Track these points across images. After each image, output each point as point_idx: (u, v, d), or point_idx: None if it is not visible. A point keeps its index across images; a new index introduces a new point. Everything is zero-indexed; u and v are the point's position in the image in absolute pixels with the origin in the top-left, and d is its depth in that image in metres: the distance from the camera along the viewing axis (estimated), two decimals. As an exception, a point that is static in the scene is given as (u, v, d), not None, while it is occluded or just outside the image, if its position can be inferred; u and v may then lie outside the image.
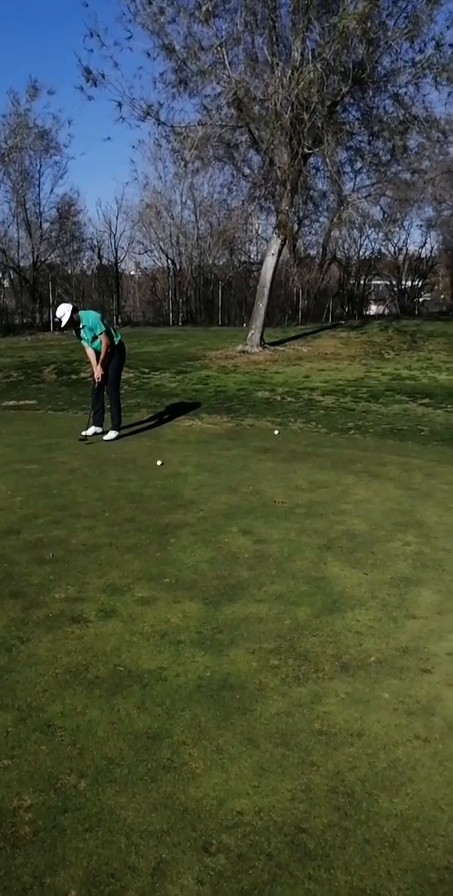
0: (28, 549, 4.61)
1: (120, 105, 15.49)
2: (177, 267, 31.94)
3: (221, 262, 33.67)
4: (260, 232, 30.76)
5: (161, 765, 2.50)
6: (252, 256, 35.04)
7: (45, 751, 2.58)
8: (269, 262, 17.11)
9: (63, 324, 7.82)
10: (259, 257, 34.29)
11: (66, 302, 8.05)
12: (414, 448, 7.70)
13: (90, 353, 8.02)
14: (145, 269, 33.52)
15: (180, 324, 29.46)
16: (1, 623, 3.58)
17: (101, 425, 8.16)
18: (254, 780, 2.42)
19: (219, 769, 2.48)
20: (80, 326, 7.88)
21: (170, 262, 31.78)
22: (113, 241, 30.85)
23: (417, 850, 2.12)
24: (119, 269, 31.64)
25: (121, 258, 31.74)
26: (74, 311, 7.84)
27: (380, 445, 7.78)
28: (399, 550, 4.57)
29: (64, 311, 7.79)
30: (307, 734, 2.67)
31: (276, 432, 8.38)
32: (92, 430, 8.12)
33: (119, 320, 28.89)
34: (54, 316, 8.07)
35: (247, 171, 17.84)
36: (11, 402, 10.59)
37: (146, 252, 32.69)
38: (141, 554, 4.54)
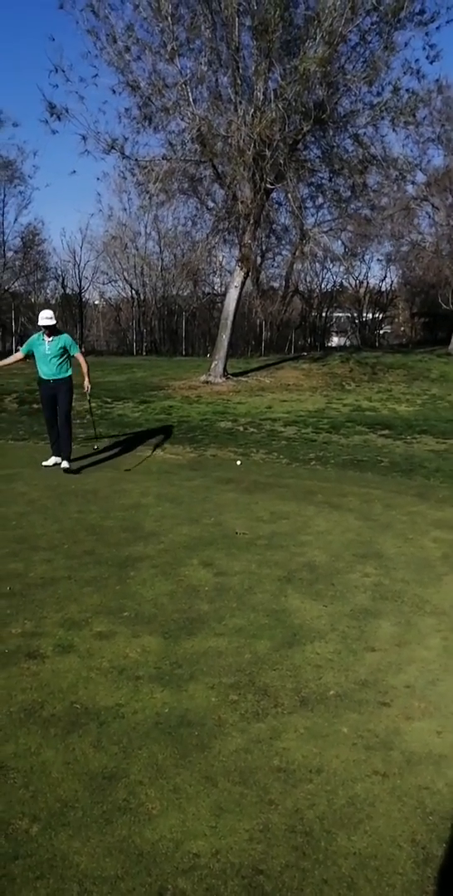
0: (-16, 583, 4.50)
1: (84, 138, 15.62)
2: (142, 297, 32.06)
3: (185, 293, 33.92)
4: (223, 264, 31.10)
5: (116, 806, 2.44)
6: (216, 288, 35.39)
7: (-4, 794, 2.50)
8: (232, 294, 17.29)
9: (52, 324, 7.62)
10: (222, 289, 34.62)
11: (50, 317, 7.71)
12: (373, 479, 7.80)
13: (10, 360, 8.23)
14: (109, 299, 33.58)
15: (144, 353, 29.49)
16: None
17: (60, 455, 8.00)
18: (211, 820, 2.38)
19: (176, 809, 2.43)
20: (53, 338, 7.65)
21: (134, 292, 31.90)
22: (77, 271, 30.89)
23: (375, 889, 2.10)
24: (83, 299, 31.62)
25: (86, 288, 31.76)
26: None
27: (341, 476, 7.86)
28: (358, 582, 4.60)
29: (52, 316, 7.71)
30: (266, 771, 2.64)
31: (238, 463, 8.41)
32: (53, 460, 8.02)
33: (82, 349, 28.74)
34: (36, 321, 7.75)
35: (211, 204, 18.13)
36: (-30, 432, 10.41)
37: (110, 282, 32.80)
38: (100, 587, 4.48)
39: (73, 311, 30.74)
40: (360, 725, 2.95)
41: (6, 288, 28.00)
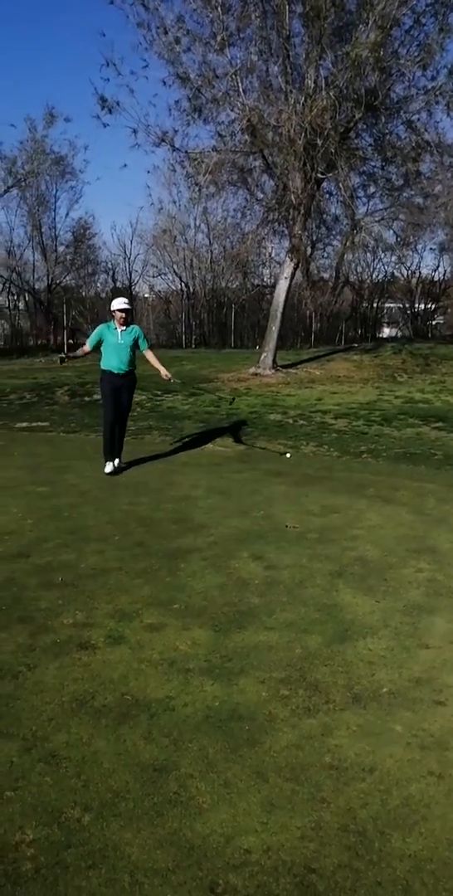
0: (37, 572, 4.58)
1: (135, 132, 15.72)
2: (191, 290, 32.16)
3: (235, 286, 33.90)
4: (273, 255, 30.97)
5: (167, 799, 2.44)
6: (265, 279, 35.24)
7: (49, 783, 2.53)
8: (282, 286, 17.17)
9: (129, 309, 7.24)
10: (272, 280, 34.41)
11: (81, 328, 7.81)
12: (427, 472, 7.64)
13: (79, 353, 7.73)
14: (159, 291, 33.78)
15: (194, 346, 29.59)
16: (8, 649, 3.54)
17: (114, 458, 7.44)
18: (262, 816, 2.36)
19: (226, 804, 2.42)
20: (125, 328, 7.20)
21: (183, 285, 32.01)
22: (127, 265, 31.21)
23: (431, 893, 2.04)
24: (133, 292, 31.90)
25: (136, 281, 32.04)
26: None
27: (393, 470, 7.72)
28: (412, 577, 4.50)
29: (128, 301, 7.43)
30: (317, 768, 2.60)
31: (288, 455, 8.34)
32: (111, 465, 7.38)
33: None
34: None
35: (260, 195, 17.99)
36: (24, 424, 10.64)
37: (160, 275, 32.99)
38: (150, 579, 4.50)
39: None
40: (414, 724, 2.88)
41: (58, 282, 28.50)
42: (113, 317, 7.21)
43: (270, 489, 6.79)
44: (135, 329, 7.33)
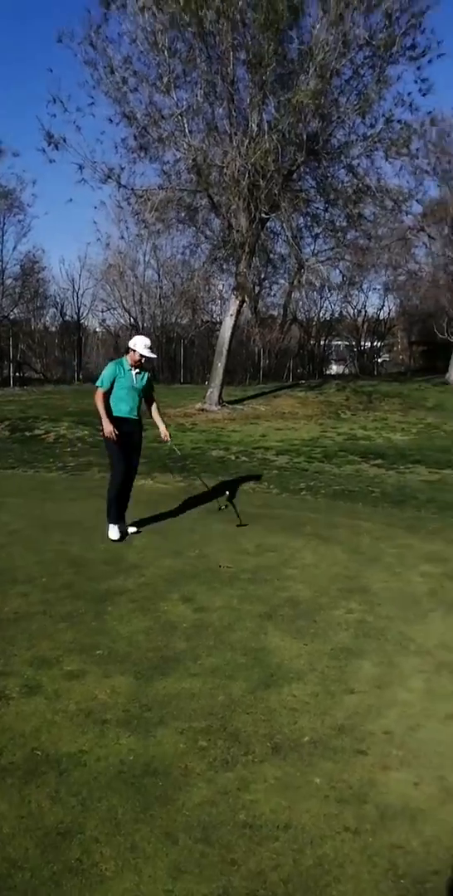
0: (-45, 618, 4.36)
1: (81, 168, 15.74)
2: (140, 325, 32.14)
3: (184, 321, 34.09)
4: (222, 292, 31.31)
5: (68, 867, 2.29)
6: (215, 315, 35.59)
7: None
8: (228, 323, 17.31)
9: (153, 358, 6.30)
10: (220, 316, 34.85)
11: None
12: (364, 510, 7.68)
13: (101, 405, 6.16)
14: (108, 326, 33.67)
15: (142, 381, 29.44)
16: None
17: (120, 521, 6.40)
18: (168, 882, 2.23)
19: (131, 871, 2.28)
20: (140, 371, 6.29)
21: (133, 319, 31.98)
22: (76, 299, 31.02)
23: None
24: (82, 326, 31.70)
25: (85, 315, 31.87)
26: None
27: (331, 507, 7.74)
28: (342, 619, 4.46)
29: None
30: (230, 827, 2.49)
31: (227, 493, 8.28)
32: (117, 530, 6.30)
33: (81, 377, 28.80)
34: (134, 349, 6.08)
35: (208, 233, 18.20)
36: (-41, 460, 10.31)
37: (109, 310, 32.90)
38: (75, 623, 4.33)
39: (72, 338, 30.79)
40: (334, 775, 2.80)
41: (5, 315, 28.09)
42: (126, 354, 6.28)
43: (207, 527, 6.70)
44: (145, 373, 6.39)
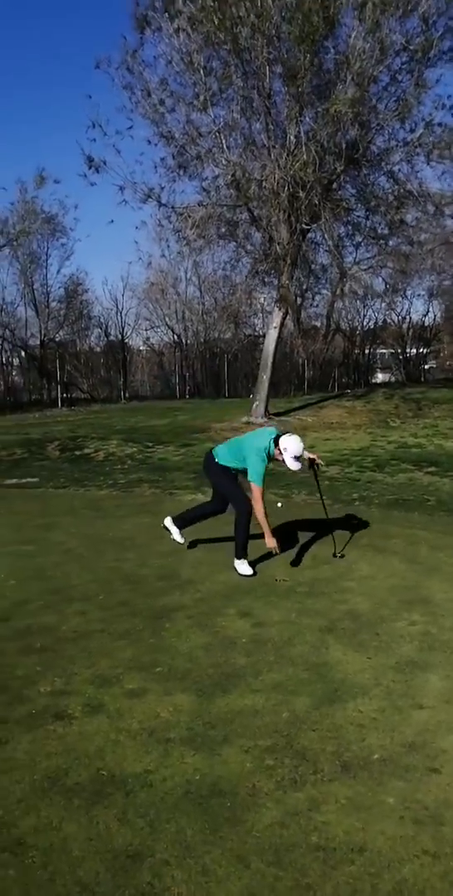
0: (16, 637, 4.40)
1: (122, 189, 15.99)
2: (184, 341, 32.42)
3: (227, 336, 34.22)
4: (264, 305, 31.36)
5: (140, 891, 2.25)
6: (257, 329, 35.66)
7: (12, 876, 2.34)
8: (272, 335, 17.28)
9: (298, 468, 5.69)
10: (264, 329, 34.85)
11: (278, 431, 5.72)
12: (420, 519, 7.49)
13: (262, 513, 5.56)
14: (152, 344, 34.05)
15: (187, 397, 29.68)
16: (-21, 722, 3.35)
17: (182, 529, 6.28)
18: (242, 907, 2.17)
19: (203, 894, 2.22)
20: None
21: (176, 336, 32.28)
22: (119, 318, 31.49)
23: None
24: (126, 345, 32.15)
25: (129, 334, 32.31)
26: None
27: (385, 517, 7.57)
28: (404, 631, 4.33)
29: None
30: (303, 850, 2.41)
31: (279, 504, 8.18)
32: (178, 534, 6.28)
33: (127, 395, 29.18)
34: (283, 454, 5.50)
35: (248, 247, 18.23)
36: (13, 481, 10.51)
37: (152, 328, 33.29)
38: (134, 640, 4.32)
39: (116, 357, 31.25)
40: (407, 795, 2.69)
41: (51, 337, 28.72)
42: (276, 445, 5.56)
43: (260, 540, 6.62)
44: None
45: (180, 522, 6.29)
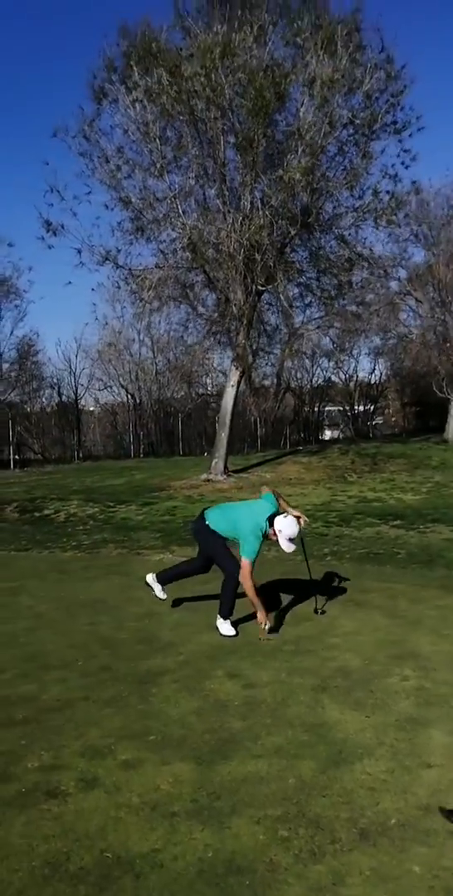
0: (-6, 710, 4.15)
1: (79, 252, 16.12)
2: (137, 401, 32.40)
3: (180, 395, 34.42)
4: (215, 365, 31.82)
5: None
6: (209, 388, 36.06)
7: None
8: (229, 393, 17.43)
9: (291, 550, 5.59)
10: (215, 389, 35.27)
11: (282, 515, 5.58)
12: (393, 572, 7.51)
13: (252, 589, 5.48)
14: (105, 404, 33.92)
15: (141, 456, 29.47)
16: (-35, 806, 3.11)
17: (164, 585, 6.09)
18: None
19: None
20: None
21: (130, 396, 32.25)
22: (73, 379, 31.32)
23: None
24: (79, 406, 31.91)
25: (82, 395, 32.12)
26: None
27: (359, 571, 7.56)
28: (398, 686, 4.26)
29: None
30: (335, 927, 2.28)
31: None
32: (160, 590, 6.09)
33: (80, 455, 28.79)
34: (278, 535, 5.46)
35: (201, 309, 18.51)
36: (-29, 545, 10.12)
37: (106, 388, 33.22)
38: (121, 707, 4.13)
39: (69, 417, 30.94)
40: (432, 862, 2.59)
41: (2, 399, 28.27)
42: (270, 525, 5.50)
43: (238, 600, 6.50)
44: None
45: (163, 578, 6.13)
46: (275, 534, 5.47)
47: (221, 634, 5.49)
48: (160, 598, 6.12)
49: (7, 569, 8.39)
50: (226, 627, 5.53)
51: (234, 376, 17.40)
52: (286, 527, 5.44)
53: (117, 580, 7.53)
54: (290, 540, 5.46)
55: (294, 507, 5.97)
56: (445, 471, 16.67)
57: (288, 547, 5.48)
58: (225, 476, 16.59)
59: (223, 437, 17.17)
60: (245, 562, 5.41)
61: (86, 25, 59.77)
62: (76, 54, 59.83)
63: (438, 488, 14.18)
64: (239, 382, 17.71)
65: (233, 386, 17.40)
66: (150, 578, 6.12)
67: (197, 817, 2.95)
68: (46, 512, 12.38)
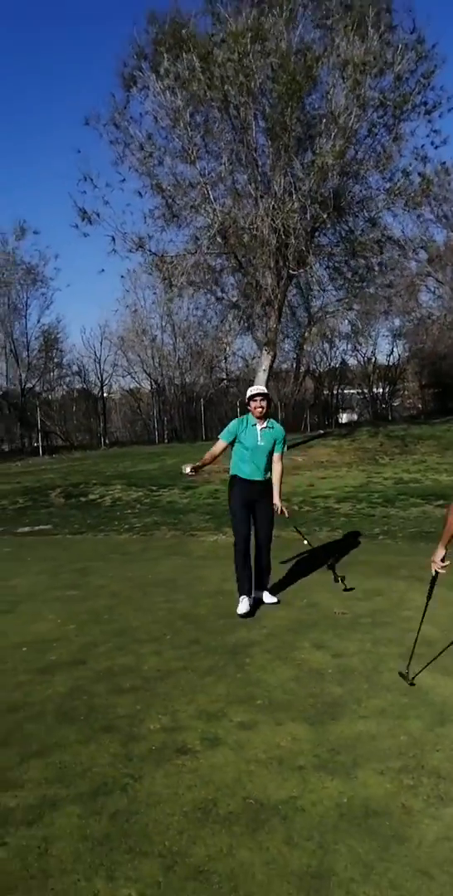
0: (101, 678, 4.42)
1: (113, 239, 16.31)
2: (161, 387, 32.66)
3: (202, 381, 34.63)
4: (235, 350, 31.98)
5: (340, 906, 2.33)
6: (228, 374, 36.25)
7: (207, 901, 2.39)
8: (261, 378, 17.56)
9: (265, 393, 5.76)
10: (233, 374, 35.50)
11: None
12: (450, 550, 7.69)
13: (207, 457, 5.82)
14: (129, 390, 34.21)
15: (166, 441, 29.77)
16: (104, 761, 3.38)
17: (250, 593, 5.74)
18: (447, 915, 2.26)
19: (403, 906, 2.31)
20: (266, 424, 5.74)
21: (153, 382, 32.52)
22: (97, 366, 31.60)
23: None
24: (103, 392, 32.24)
25: (106, 381, 32.42)
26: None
27: (414, 549, 7.78)
28: (483, 654, 4.49)
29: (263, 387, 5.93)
30: (481, 858, 2.52)
31: (306, 542, 8.33)
32: (245, 604, 5.62)
33: (106, 441, 29.12)
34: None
35: (224, 294, 18.73)
36: (26, 529, 10.43)
37: (129, 374, 33.49)
38: (220, 676, 4.38)
39: (94, 404, 31.27)
40: None
41: (29, 386, 28.64)
42: (249, 409, 5.78)
43: (303, 576, 6.76)
44: (278, 428, 5.83)
45: (239, 589, 5.77)
46: (249, 403, 5.77)
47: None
48: (271, 602, 5.93)
49: (68, 551, 8.69)
50: (238, 605, 5.65)
51: (266, 361, 17.56)
52: (251, 388, 5.90)
53: (179, 560, 7.80)
54: (256, 388, 5.85)
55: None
56: (476, 451, 16.80)
57: (253, 391, 5.78)
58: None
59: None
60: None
61: (115, 12, 59.59)
62: (107, 42, 59.56)
63: (473, 469, 14.33)
64: (271, 366, 17.88)
65: (264, 371, 17.55)
66: (240, 608, 5.65)
67: (323, 770, 3.20)
68: (91, 497, 12.68)
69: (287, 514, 5.81)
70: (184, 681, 4.34)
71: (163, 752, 3.44)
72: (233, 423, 5.89)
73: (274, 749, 3.42)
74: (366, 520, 9.65)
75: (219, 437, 5.94)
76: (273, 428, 5.77)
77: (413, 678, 4.12)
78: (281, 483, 5.82)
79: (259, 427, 5.72)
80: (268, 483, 5.78)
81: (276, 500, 5.76)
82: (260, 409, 5.69)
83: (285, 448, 5.88)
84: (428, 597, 4.41)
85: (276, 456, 5.79)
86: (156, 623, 5.54)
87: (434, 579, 4.31)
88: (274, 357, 17.97)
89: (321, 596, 6.03)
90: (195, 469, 5.83)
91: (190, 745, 3.50)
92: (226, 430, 5.88)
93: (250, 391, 5.83)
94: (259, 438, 5.70)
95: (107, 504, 12.15)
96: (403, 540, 8.33)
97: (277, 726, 3.66)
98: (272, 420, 5.83)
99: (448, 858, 2.54)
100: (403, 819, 2.80)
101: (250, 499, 5.75)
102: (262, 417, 5.72)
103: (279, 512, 5.77)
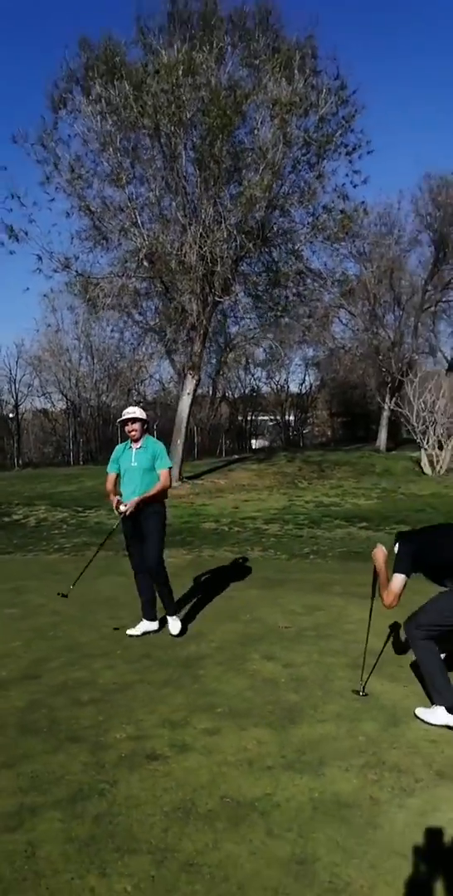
0: (59, 692, 4.42)
1: (40, 258, 16.17)
2: (77, 407, 32.20)
3: (120, 403, 34.41)
4: (152, 374, 32.15)
5: (328, 888, 2.50)
6: (147, 397, 36.25)
7: (201, 892, 2.50)
8: (185, 401, 17.81)
9: (143, 419, 5.66)
10: (151, 397, 35.58)
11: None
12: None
13: (109, 486, 5.81)
14: (43, 411, 33.47)
15: (81, 463, 29.30)
16: (76, 769, 3.41)
17: (154, 618, 5.81)
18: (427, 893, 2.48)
19: (385, 885, 2.51)
20: (141, 444, 5.68)
21: (69, 403, 32.02)
22: (12, 385, 30.78)
23: None
24: (18, 412, 31.38)
25: (21, 402, 31.58)
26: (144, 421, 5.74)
27: (346, 568, 8.14)
28: (422, 662, 4.81)
29: (136, 410, 5.73)
30: (450, 838, 2.76)
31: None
32: (144, 626, 5.76)
33: (20, 462, 28.33)
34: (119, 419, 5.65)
35: (149, 318, 18.96)
36: None
37: (45, 395, 32.82)
38: (178, 687, 4.48)
39: (8, 424, 30.37)
40: None
41: None
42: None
43: (243, 593, 6.94)
44: (152, 445, 5.73)
45: (144, 612, 5.84)
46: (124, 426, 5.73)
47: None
48: (149, 632, 5.79)
49: (-1, 570, 8.49)
50: (138, 626, 5.76)
51: (190, 384, 17.80)
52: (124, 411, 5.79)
53: (118, 580, 7.79)
54: (133, 412, 5.70)
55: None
56: (389, 477, 17.66)
57: (124, 416, 5.66)
58: (180, 482, 16.94)
59: (179, 444, 17.52)
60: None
61: (44, 30, 58.61)
62: (36, 61, 58.58)
63: (387, 494, 15.07)
64: (195, 390, 18.13)
65: (189, 394, 17.80)
66: (138, 629, 5.75)
67: (292, 769, 3.38)
68: (16, 517, 12.39)
69: (124, 509, 5.55)
70: (142, 692, 4.41)
71: (133, 758, 3.51)
72: (116, 449, 5.91)
73: (242, 752, 3.56)
74: (296, 540, 9.98)
75: (107, 469, 5.91)
76: (146, 448, 5.67)
77: (364, 686, 4.36)
78: (153, 493, 5.56)
79: (134, 448, 5.68)
80: (148, 505, 5.59)
81: (137, 497, 5.54)
82: (133, 433, 5.65)
83: (168, 461, 5.78)
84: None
85: (161, 473, 5.65)
86: (104, 639, 5.56)
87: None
88: (198, 381, 18.25)
89: (263, 611, 6.23)
90: (117, 500, 5.69)
91: (160, 752, 3.58)
92: (111, 460, 5.87)
93: (123, 415, 5.74)
94: (132, 460, 5.65)
95: (31, 524, 11.90)
96: (333, 559, 8.70)
97: (242, 731, 3.80)
98: (149, 438, 5.77)
99: (418, 841, 2.77)
100: (373, 809, 3.01)
101: (132, 523, 5.67)
102: (137, 440, 5.68)
103: (119, 505, 5.62)
